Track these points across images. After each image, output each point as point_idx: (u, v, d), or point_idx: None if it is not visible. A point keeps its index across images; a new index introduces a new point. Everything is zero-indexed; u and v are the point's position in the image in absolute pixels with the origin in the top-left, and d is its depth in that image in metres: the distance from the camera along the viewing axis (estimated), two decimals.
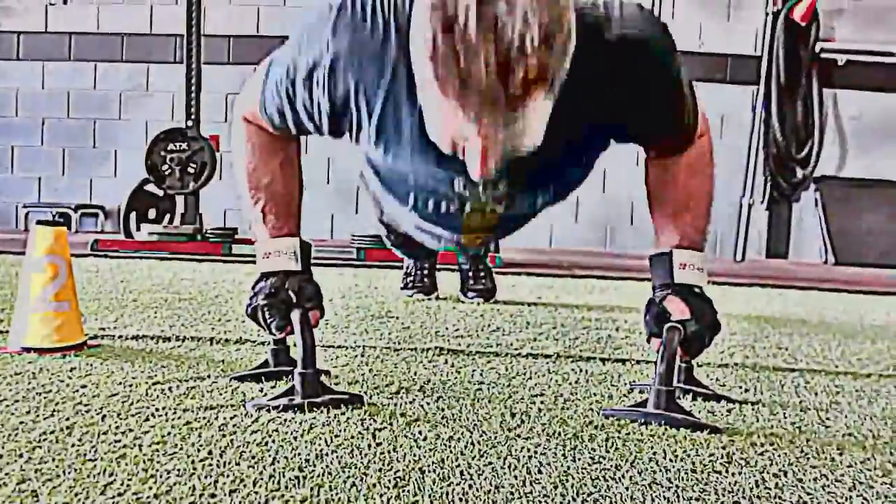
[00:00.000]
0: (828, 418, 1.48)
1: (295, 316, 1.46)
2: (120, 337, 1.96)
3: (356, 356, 1.86)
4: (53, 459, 1.05)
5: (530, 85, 1.05)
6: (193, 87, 4.89)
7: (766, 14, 6.38)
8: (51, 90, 6.86)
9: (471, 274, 3.06)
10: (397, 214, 1.99)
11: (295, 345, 1.44)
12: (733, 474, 1.12)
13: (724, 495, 1.04)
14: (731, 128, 6.51)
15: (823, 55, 6.41)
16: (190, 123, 4.83)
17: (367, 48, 1.31)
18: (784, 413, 1.50)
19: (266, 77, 1.48)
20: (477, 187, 1.55)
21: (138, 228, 4.89)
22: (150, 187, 4.94)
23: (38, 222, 1.80)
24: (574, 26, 1.10)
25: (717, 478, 1.11)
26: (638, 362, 1.92)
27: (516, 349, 2.02)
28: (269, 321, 1.48)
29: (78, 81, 6.84)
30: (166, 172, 4.74)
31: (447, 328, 2.30)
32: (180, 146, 4.77)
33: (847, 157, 6.66)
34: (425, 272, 3.08)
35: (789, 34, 6.32)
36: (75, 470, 1.01)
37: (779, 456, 1.22)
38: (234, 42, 6.70)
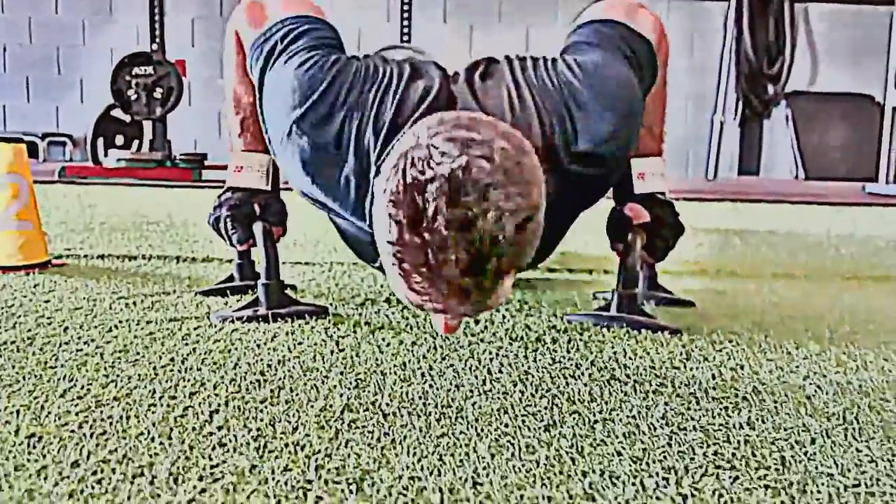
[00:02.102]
0: (788, 317, 1.50)
1: (257, 228, 1.45)
2: (86, 256, 1.94)
3: (323, 272, 1.86)
4: (14, 367, 1.05)
5: (503, 275, 0.96)
6: (157, 12, 4.79)
7: None
8: (10, 16, 6.69)
9: None
10: None
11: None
12: (691, 369, 1.14)
13: (680, 388, 1.05)
14: (702, 46, 6.47)
15: None
16: (155, 47, 4.74)
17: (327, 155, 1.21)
18: (745, 314, 1.52)
19: (262, 50, 1.34)
20: None
21: (106, 155, 4.82)
22: (117, 113, 4.87)
23: None
24: (543, 190, 0.99)
25: (675, 373, 1.12)
26: (606, 272, 1.94)
27: None
28: (230, 232, 1.47)
29: (39, 7, 6.67)
30: (132, 98, 4.66)
31: None
32: (146, 70, 4.68)
33: (818, 72, 6.65)
34: None
35: None
36: (35, 376, 1.01)
37: (737, 352, 1.24)
38: None
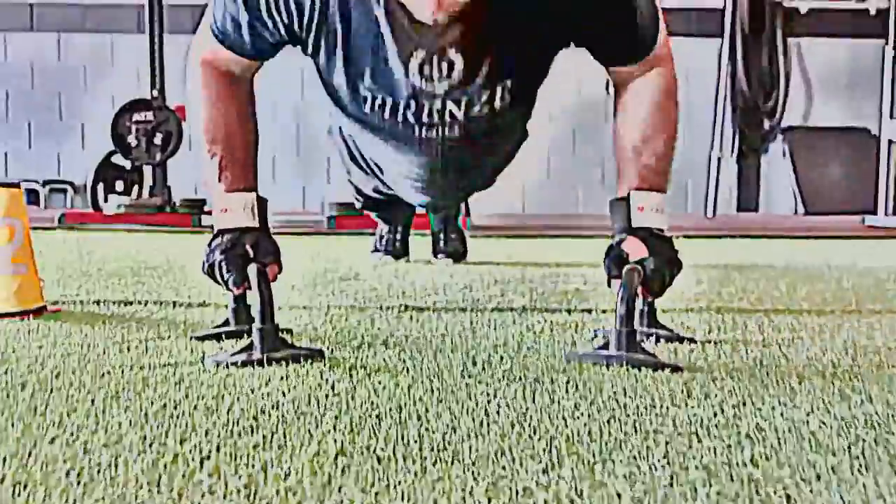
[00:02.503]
0: (789, 352, 1.48)
1: (252, 270, 1.44)
2: (82, 302, 1.94)
3: (320, 315, 1.85)
4: (2, 413, 1.04)
5: None
6: (157, 57, 4.82)
7: None
8: (14, 62, 6.74)
9: (441, 236, 3.04)
10: (362, 143, 2.00)
11: None
12: (692, 407, 1.12)
13: (681, 426, 1.03)
14: (697, 81, 6.49)
15: (786, 4, 6.39)
16: (155, 94, 4.77)
17: None
18: (746, 350, 1.50)
19: None
20: (431, 78, 1.55)
21: (106, 201, 4.83)
22: (118, 159, 4.88)
23: None
24: None
25: (676, 411, 1.10)
26: (604, 311, 1.92)
27: (482, 304, 2.01)
28: (225, 276, 1.46)
29: (42, 53, 6.72)
30: (133, 143, 4.69)
31: (414, 287, 2.29)
32: (146, 116, 4.71)
33: (813, 105, 6.67)
34: (398, 236, 3.05)
35: None
36: (24, 423, 1.00)
37: (738, 388, 1.22)
38: (199, 12, 6.59)
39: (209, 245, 1.52)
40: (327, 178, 6.48)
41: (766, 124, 6.51)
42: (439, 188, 2.08)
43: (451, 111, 1.62)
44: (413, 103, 1.61)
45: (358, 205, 2.80)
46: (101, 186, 4.92)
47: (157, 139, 4.71)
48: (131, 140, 4.67)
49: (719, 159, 6.40)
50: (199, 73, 1.57)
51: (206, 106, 1.56)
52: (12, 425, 0.99)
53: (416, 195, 2.16)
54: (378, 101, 1.62)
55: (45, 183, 6.64)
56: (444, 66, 1.52)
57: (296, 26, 1.48)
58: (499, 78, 1.58)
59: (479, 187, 2.34)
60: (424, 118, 1.64)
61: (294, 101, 6.14)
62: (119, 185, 5.00)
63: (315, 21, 1.47)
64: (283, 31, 1.49)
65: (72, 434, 0.96)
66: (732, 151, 6.53)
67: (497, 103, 1.63)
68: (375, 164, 2.15)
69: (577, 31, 1.53)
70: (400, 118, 1.64)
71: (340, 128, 2.14)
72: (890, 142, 5.43)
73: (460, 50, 1.52)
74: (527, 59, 1.57)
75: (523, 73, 1.61)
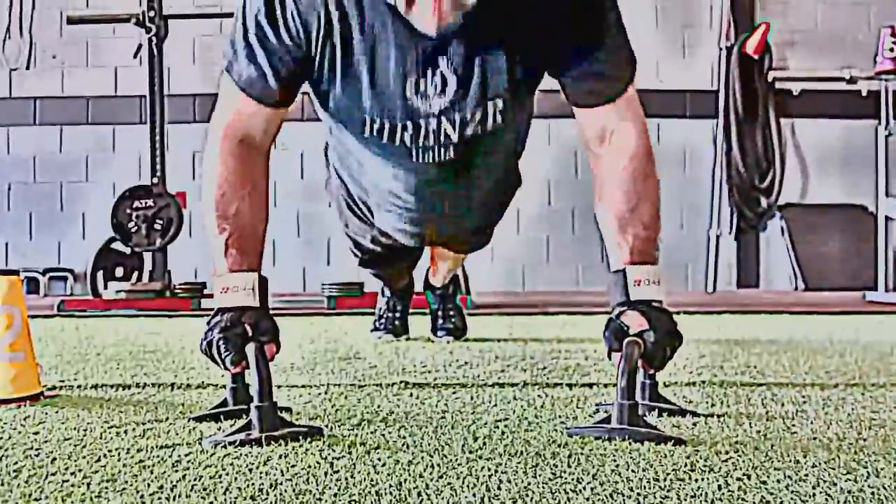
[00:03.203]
0: (793, 425, 1.47)
1: (250, 349, 1.43)
2: (79, 387, 1.92)
3: (319, 394, 1.84)
4: None
5: None
6: (158, 146, 4.89)
7: (720, 49, 6.49)
8: (16, 155, 6.83)
9: (440, 314, 3.04)
10: (359, 175, 2.03)
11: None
12: (696, 480, 1.11)
13: (685, 500, 1.02)
14: (693, 161, 6.58)
15: (778, 85, 6.51)
16: (156, 180, 4.81)
17: None
18: (750, 423, 1.49)
19: (232, 46, 1.56)
20: (427, 95, 1.60)
21: (106, 287, 4.83)
22: (118, 245, 4.90)
23: None
24: None
25: (680, 485, 1.09)
26: (606, 386, 1.91)
27: (483, 380, 2.00)
28: (223, 355, 1.45)
29: (43, 145, 6.81)
30: (133, 230, 4.70)
31: (414, 365, 2.28)
32: (146, 203, 4.74)
33: (809, 183, 6.74)
34: (397, 314, 3.04)
35: (744, 67, 6.41)
36: None
37: (743, 461, 1.20)
38: (199, 101, 6.72)
39: (208, 323, 1.51)
40: (327, 260, 6.51)
41: (764, 202, 6.56)
42: (433, 221, 2.08)
43: (445, 131, 1.66)
44: (410, 125, 1.64)
45: (356, 261, 2.76)
46: (100, 273, 4.93)
47: (158, 225, 4.73)
48: (131, 226, 4.69)
49: (718, 237, 6.44)
50: (217, 146, 1.60)
51: (220, 181, 1.57)
52: None
53: (410, 230, 2.13)
54: (377, 125, 1.65)
55: (45, 271, 6.65)
56: (438, 81, 1.57)
57: (304, 46, 1.53)
58: (489, 97, 1.62)
59: (473, 232, 2.33)
60: (421, 140, 1.68)
61: (294, 183, 6.21)
62: (119, 271, 5.01)
63: (321, 39, 1.53)
64: (296, 56, 1.54)
65: None
66: (731, 230, 6.57)
67: (489, 124, 1.66)
68: (369, 208, 2.16)
69: (554, 55, 1.59)
70: (398, 141, 1.68)
71: (337, 171, 2.16)
72: (887, 218, 5.46)
73: (453, 67, 1.57)
74: (515, 81, 1.61)
75: (512, 95, 1.64)
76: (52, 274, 6.71)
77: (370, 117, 1.64)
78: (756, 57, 6.36)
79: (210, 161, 1.61)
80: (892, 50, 5.18)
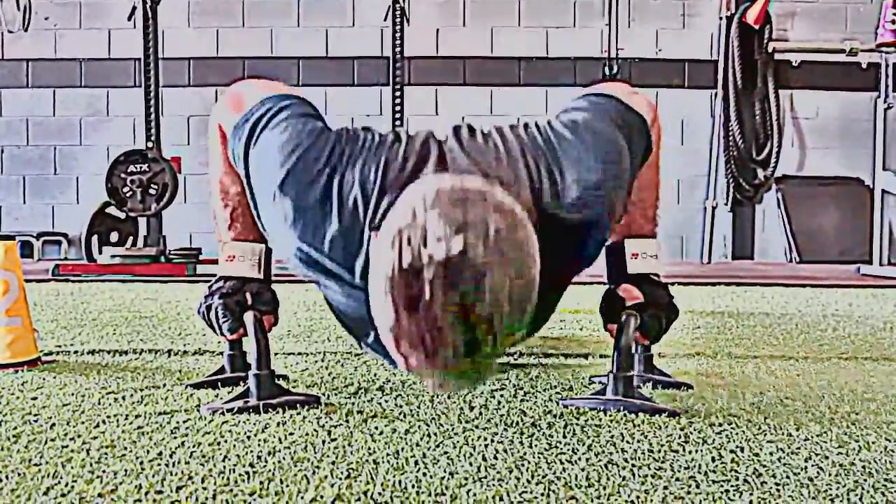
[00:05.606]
0: (786, 398, 1.48)
1: (248, 317, 1.43)
2: (76, 353, 1.92)
3: (316, 362, 1.84)
4: None
5: (499, 354, 0.98)
6: (153, 110, 4.86)
7: (720, 19, 6.47)
8: (9, 118, 6.79)
9: None
10: None
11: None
12: (690, 452, 1.12)
13: (679, 472, 1.03)
14: (691, 132, 6.57)
15: (777, 56, 6.49)
16: (150, 145, 4.79)
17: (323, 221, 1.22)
18: (743, 395, 1.50)
19: (248, 138, 1.36)
20: None
21: (100, 252, 4.82)
22: (112, 210, 4.89)
23: None
24: (538, 259, 1.00)
25: (674, 456, 1.10)
26: (601, 356, 1.92)
27: None
28: (221, 321, 1.46)
29: (37, 108, 6.77)
30: (127, 195, 4.69)
31: None
32: (141, 168, 4.72)
33: (806, 156, 6.73)
34: None
35: (743, 38, 6.40)
36: (18, 474, 0.99)
37: (736, 434, 1.22)
38: (194, 64, 6.67)
39: (209, 288, 1.51)
40: None
41: (760, 174, 6.55)
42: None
43: None
44: None
45: None
46: (95, 238, 4.92)
47: (153, 190, 4.71)
48: (126, 191, 4.68)
49: (714, 208, 6.44)
50: (217, 132, 1.58)
51: (223, 161, 1.55)
52: (7, 477, 0.98)
53: None
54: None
55: (39, 235, 6.64)
56: None
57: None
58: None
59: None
60: None
61: None
62: (114, 237, 5.01)
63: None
64: None
65: (66, 485, 0.95)
66: (727, 201, 6.58)
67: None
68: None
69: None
70: None
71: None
72: (883, 192, 5.46)
73: None
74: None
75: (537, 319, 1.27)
76: (45, 238, 6.70)
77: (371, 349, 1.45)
78: (756, 27, 6.33)
79: (211, 142, 1.60)
80: (893, 22, 5.15)
